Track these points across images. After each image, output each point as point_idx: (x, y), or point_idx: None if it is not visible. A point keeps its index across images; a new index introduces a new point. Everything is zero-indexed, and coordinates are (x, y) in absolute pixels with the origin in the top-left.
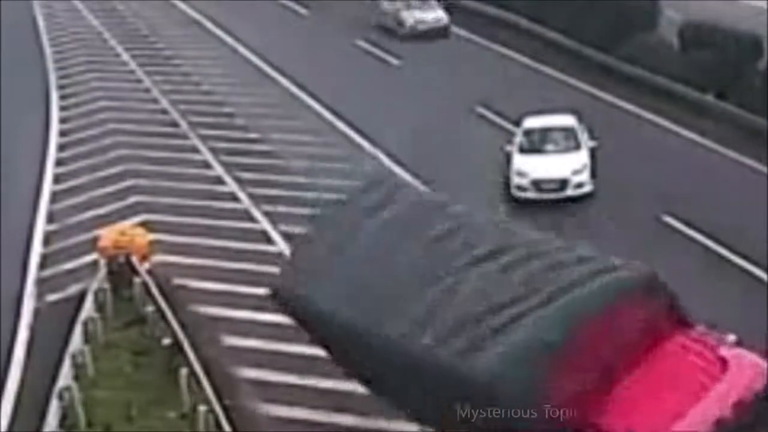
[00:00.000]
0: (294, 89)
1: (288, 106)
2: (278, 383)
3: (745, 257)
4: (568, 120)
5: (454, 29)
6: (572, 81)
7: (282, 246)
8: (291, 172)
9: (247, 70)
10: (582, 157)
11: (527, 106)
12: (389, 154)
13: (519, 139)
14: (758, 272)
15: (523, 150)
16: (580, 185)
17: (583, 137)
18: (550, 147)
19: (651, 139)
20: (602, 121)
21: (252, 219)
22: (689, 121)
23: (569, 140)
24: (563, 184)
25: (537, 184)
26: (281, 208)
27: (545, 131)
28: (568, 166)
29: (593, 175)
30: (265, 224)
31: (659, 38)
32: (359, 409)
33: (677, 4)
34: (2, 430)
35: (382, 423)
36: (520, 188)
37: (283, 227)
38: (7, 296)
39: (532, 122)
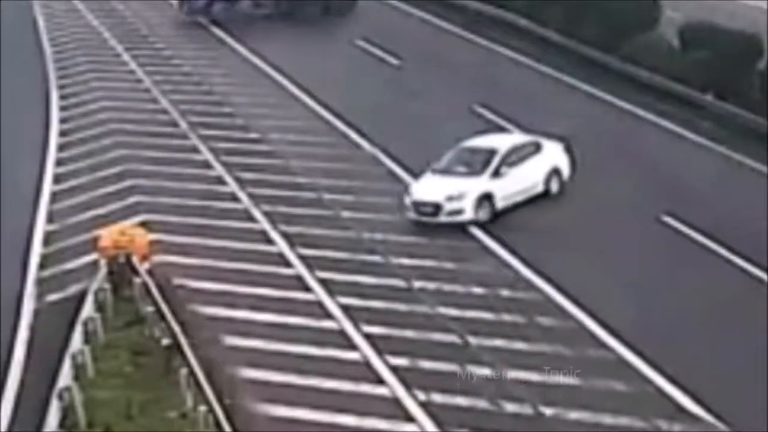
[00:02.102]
0: (293, 88)
1: (287, 106)
2: (278, 383)
3: (745, 257)
4: (502, 142)
5: (453, 28)
6: (571, 81)
7: (282, 246)
8: (290, 172)
9: (246, 70)
10: (474, 184)
11: (525, 107)
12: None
13: (443, 158)
14: (758, 272)
15: (434, 170)
16: (456, 212)
17: (539, 158)
18: (459, 169)
19: (651, 139)
20: (602, 121)
21: (252, 219)
22: (689, 121)
23: (477, 164)
24: (437, 208)
25: (416, 206)
26: (281, 208)
27: (466, 152)
28: (445, 191)
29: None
30: (264, 224)
31: (659, 38)
32: (359, 409)
33: (677, 4)
34: (2, 430)
35: (382, 423)
36: (406, 208)
37: (283, 227)
38: (7, 296)
39: (469, 141)
